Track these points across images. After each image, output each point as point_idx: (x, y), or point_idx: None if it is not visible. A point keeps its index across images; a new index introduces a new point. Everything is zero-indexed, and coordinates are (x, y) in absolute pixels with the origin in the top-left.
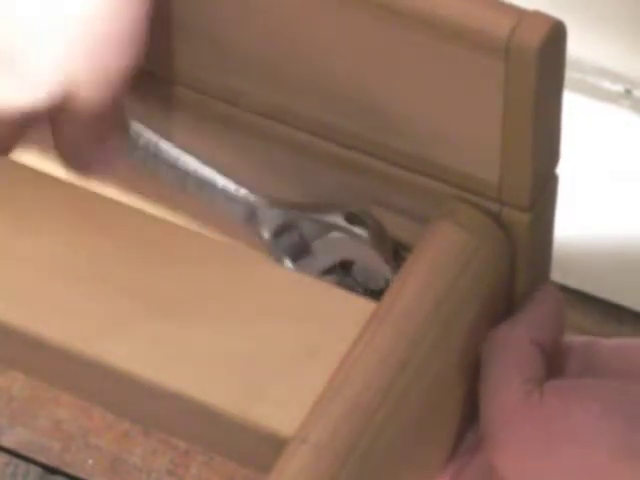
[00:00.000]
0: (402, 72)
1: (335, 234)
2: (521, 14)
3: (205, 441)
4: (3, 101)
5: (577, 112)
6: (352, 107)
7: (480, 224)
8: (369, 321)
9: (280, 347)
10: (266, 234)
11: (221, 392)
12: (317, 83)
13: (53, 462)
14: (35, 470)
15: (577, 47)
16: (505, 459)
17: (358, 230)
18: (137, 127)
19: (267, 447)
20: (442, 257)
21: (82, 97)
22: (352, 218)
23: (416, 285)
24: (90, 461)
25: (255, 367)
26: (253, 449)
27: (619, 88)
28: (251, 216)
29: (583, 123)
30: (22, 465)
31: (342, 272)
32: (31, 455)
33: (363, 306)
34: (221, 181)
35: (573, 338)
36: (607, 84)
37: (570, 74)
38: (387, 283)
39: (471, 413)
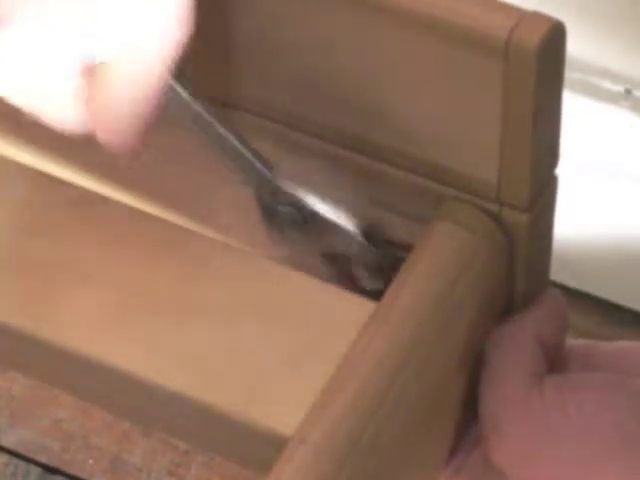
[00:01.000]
0: (401, 73)
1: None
2: (520, 14)
3: (205, 441)
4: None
5: (577, 112)
6: (351, 107)
7: (479, 224)
8: (369, 321)
9: (280, 347)
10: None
11: (221, 392)
12: (316, 83)
13: (53, 462)
14: (35, 470)
15: (577, 47)
16: (504, 452)
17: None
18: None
19: (267, 447)
20: (442, 257)
21: (125, 73)
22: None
23: (416, 285)
24: (90, 461)
25: (255, 367)
26: (253, 449)
27: (619, 88)
28: (258, 184)
29: (583, 123)
30: (22, 465)
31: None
32: (31, 455)
33: (363, 306)
34: (243, 149)
35: (572, 342)
36: (607, 84)
37: (570, 74)
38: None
39: (470, 412)
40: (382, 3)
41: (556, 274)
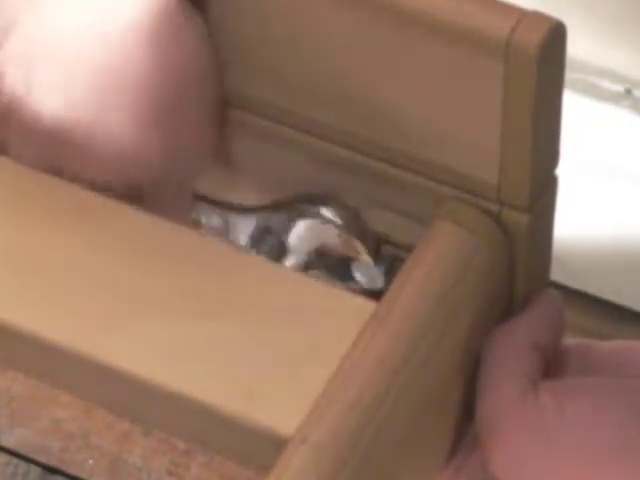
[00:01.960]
0: (401, 73)
1: (303, 220)
2: (521, 14)
3: (205, 441)
4: None
5: (577, 112)
6: (350, 107)
7: (480, 225)
8: (369, 321)
9: (280, 347)
10: (243, 242)
11: (221, 392)
12: (316, 83)
13: (53, 462)
14: (35, 470)
15: (577, 47)
16: (500, 457)
17: (324, 211)
18: None
19: (267, 447)
20: (442, 257)
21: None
22: (314, 199)
23: (416, 285)
24: (90, 461)
25: (255, 367)
26: (253, 449)
27: (619, 88)
28: (226, 226)
29: (583, 123)
30: (22, 465)
31: (325, 267)
32: (31, 455)
33: (363, 306)
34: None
35: (569, 341)
36: (607, 84)
37: (570, 74)
38: (379, 277)
39: (470, 412)
40: (382, 3)
41: (556, 274)
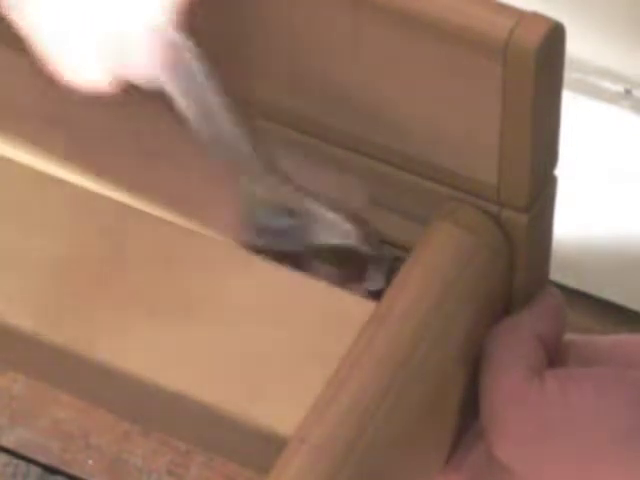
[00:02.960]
0: (400, 73)
1: (321, 219)
2: (520, 15)
3: (205, 441)
4: None
5: (577, 112)
6: (350, 107)
7: (479, 225)
8: (369, 321)
9: (280, 347)
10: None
11: (221, 392)
12: (315, 83)
13: (53, 462)
14: (35, 470)
15: (577, 47)
16: (505, 444)
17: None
18: None
19: (267, 447)
20: (441, 258)
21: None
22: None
23: (416, 285)
24: (90, 461)
25: (255, 367)
26: (253, 449)
27: (619, 88)
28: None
29: (583, 123)
30: (22, 465)
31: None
32: (31, 455)
33: (363, 306)
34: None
35: (571, 336)
36: (607, 84)
37: (570, 74)
38: (380, 279)
39: (471, 411)
40: (382, 3)
41: (556, 274)
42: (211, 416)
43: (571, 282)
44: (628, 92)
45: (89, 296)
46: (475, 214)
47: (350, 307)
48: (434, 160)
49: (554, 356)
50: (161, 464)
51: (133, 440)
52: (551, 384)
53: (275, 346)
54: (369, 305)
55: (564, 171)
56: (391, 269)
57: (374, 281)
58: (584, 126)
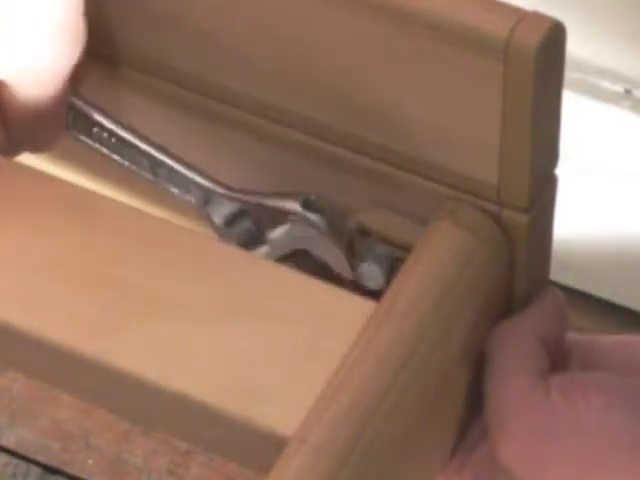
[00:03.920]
0: (401, 73)
1: (290, 224)
2: (520, 15)
3: (205, 441)
4: None
5: (577, 112)
6: (350, 107)
7: (479, 225)
8: (369, 321)
9: (280, 347)
10: (217, 220)
11: (221, 392)
12: (315, 83)
13: (53, 462)
14: (35, 470)
15: (577, 47)
16: (508, 449)
17: (314, 217)
18: (89, 110)
19: (267, 447)
20: (441, 258)
21: (24, 91)
22: (309, 205)
23: (416, 285)
24: (90, 461)
25: (255, 367)
26: (253, 449)
27: (619, 88)
28: (205, 203)
29: (583, 123)
30: (22, 465)
31: (297, 260)
32: (31, 455)
33: (363, 306)
34: (176, 165)
35: (574, 336)
36: (607, 84)
37: (570, 74)
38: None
39: (472, 410)
40: (382, 3)
41: (556, 274)
42: (211, 416)
43: (571, 282)
44: (628, 92)
45: (89, 296)
46: (475, 214)
47: (350, 307)
48: (434, 160)
49: (556, 356)
50: (161, 464)
51: (133, 440)
52: (556, 393)
53: (275, 346)
54: (369, 305)
55: (564, 171)
56: (391, 269)
57: (374, 281)
58: (584, 126)
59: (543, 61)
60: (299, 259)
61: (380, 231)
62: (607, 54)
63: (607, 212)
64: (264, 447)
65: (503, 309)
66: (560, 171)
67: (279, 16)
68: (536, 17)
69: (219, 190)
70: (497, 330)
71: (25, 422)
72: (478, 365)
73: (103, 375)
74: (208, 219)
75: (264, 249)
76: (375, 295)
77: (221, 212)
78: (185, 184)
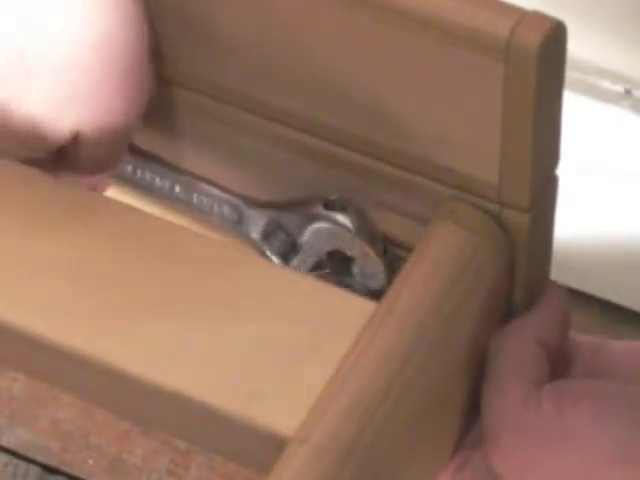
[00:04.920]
0: (401, 73)
1: (318, 224)
2: (521, 14)
3: (205, 441)
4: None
5: (577, 112)
6: (351, 108)
7: (480, 225)
8: (369, 321)
9: (280, 347)
10: (255, 235)
11: (221, 392)
12: (316, 83)
13: (53, 462)
14: (35, 470)
15: (577, 47)
16: (503, 461)
17: (340, 217)
18: None
19: (267, 447)
20: (442, 257)
21: (87, 139)
22: (331, 205)
23: (416, 285)
24: (90, 461)
25: (255, 367)
26: (253, 449)
27: (619, 88)
28: (239, 219)
29: (583, 123)
30: (22, 465)
31: (335, 267)
32: (31, 455)
33: (363, 306)
34: (207, 185)
35: (584, 337)
36: (607, 84)
37: (570, 74)
38: (381, 278)
39: (474, 411)
40: (382, 3)
41: (556, 274)
42: (211, 416)
43: (572, 282)
44: (628, 92)
45: (89, 296)
46: (476, 214)
47: (350, 307)
48: (435, 160)
49: (558, 359)
50: (161, 464)
51: (133, 440)
52: (548, 403)
53: (275, 346)
54: (369, 305)
55: (564, 171)
56: (392, 269)
57: (375, 280)
58: (584, 126)
59: (544, 61)
60: (335, 267)
61: (381, 231)
62: (607, 54)
63: (607, 212)
64: (264, 447)
65: (504, 309)
66: (560, 171)
67: (278, 16)
68: (537, 17)
69: (250, 206)
70: (498, 334)
71: (25, 422)
72: (479, 365)
73: (103, 375)
74: (246, 236)
75: (300, 257)
76: (375, 295)
77: (256, 227)
78: (219, 204)
